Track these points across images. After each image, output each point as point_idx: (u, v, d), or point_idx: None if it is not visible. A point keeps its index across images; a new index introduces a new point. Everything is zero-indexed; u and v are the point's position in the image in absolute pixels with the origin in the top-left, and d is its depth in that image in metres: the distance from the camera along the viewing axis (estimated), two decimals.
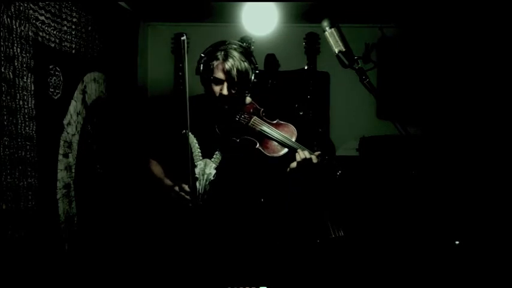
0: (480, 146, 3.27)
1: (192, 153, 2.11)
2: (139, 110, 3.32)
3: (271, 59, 3.47)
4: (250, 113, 2.16)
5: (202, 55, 2.14)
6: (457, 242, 2.80)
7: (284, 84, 3.42)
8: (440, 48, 3.57)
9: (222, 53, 2.08)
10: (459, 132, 3.46)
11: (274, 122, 2.15)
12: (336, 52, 1.87)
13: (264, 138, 2.09)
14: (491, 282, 2.76)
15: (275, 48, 3.52)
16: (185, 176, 2.03)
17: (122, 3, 3.06)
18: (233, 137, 2.08)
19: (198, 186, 2.10)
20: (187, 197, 2.02)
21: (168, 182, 2.14)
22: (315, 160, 2.04)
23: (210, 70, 2.09)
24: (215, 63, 2.08)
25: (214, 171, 2.13)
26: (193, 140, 2.13)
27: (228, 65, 2.05)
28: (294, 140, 2.09)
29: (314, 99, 3.27)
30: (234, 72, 2.05)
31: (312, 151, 2.08)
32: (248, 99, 2.20)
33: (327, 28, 1.88)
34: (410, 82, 3.60)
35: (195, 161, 2.12)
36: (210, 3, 3.22)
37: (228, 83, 2.07)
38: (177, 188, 2.04)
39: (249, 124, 2.11)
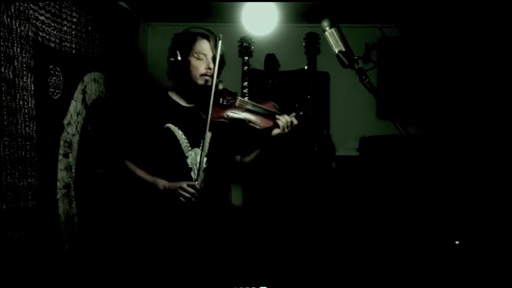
0: (480, 146, 3.27)
1: (180, 145, 2.12)
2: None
3: (271, 59, 3.47)
4: (231, 95, 2.21)
5: (173, 41, 2.19)
6: (457, 242, 2.80)
7: (284, 84, 3.42)
8: (441, 48, 3.57)
9: (199, 33, 2.16)
10: (459, 132, 3.46)
11: (256, 100, 2.24)
12: (336, 52, 1.87)
13: (251, 114, 2.20)
14: (491, 282, 2.76)
15: (275, 48, 3.51)
16: (177, 170, 2.07)
17: (122, 3, 3.06)
18: (222, 119, 2.15)
19: (193, 176, 2.11)
20: (194, 191, 2.03)
21: (165, 182, 2.09)
22: (295, 121, 2.17)
23: (189, 49, 2.13)
24: (197, 40, 2.14)
25: (205, 159, 2.13)
26: (178, 132, 2.13)
27: (210, 40, 2.14)
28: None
29: (314, 99, 3.27)
30: (218, 47, 2.10)
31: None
32: (221, 85, 2.20)
33: (327, 28, 1.87)
34: (411, 82, 3.60)
35: (185, 152, 2.13)
36: (210, 3, 3.22)
37: (212, 59, 2.12)
38: (184, 186, 2.03)
39: (236, 105, 2.19)
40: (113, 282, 2.66)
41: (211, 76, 2.11)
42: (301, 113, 2.25)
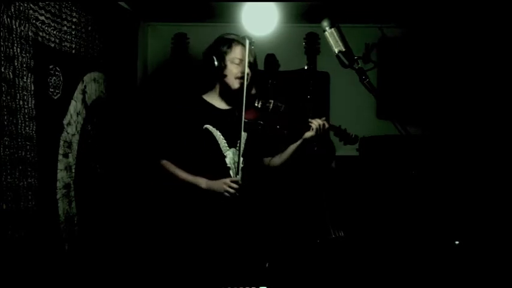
0: (480, 145, 3.27)
1: (219, 145, 2.20)
2: (141, 110, 3.31)
3: (271, 59, 3.47)
4: (265, 99, 2.29)
5: (214, 47, 2.24)
6: (457, 242, 2.80)
7: (284, 84, 3.42)
8: (441, 48, 3.57)
9: (233, 38, 2.23)
10: (459, 132, 3.46)
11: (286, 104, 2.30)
12: (336, 52, 1.87)
13: (285, 117, 2.28)
14: (491, 282, 2.76)
15: (275, 48, 3.51)
16: (216, 169, 2.16)
17: (122, 3, 3.06)
18: (257, 121, 2.24)
19: (232, 175, 2.19)
20: (238, 186, 2.11)
21: (207, 181, 2.16)
22: (327, 124, 2.26)
23: (225, 54, 2.20)
24: (232, 46, 2.21)
25: (242, 159, 2.21)
26: (216, 133, 2.20)
27: (245, 45, 2.20)
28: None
29: (314, 99, 3.27)
30: (252, 52, 2.23)
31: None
32: (254, 90, 2.31)
33: (327, 28, 1.88)
34: (411, 82, 3.60)
35: (224, 151, 2.20)
36: (210, 3, 3.22)
37: (248, 63, 2.20)
38: (229, 182, 2.11)
39: (270, 108, 2.27)
40: (112, 282, 2.66)
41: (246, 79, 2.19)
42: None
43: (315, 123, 2.23)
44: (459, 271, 2.78)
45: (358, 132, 3.43)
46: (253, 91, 2.28)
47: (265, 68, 3.45)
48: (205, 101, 2.28)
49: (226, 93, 2.26)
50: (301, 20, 3.55)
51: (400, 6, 3.23)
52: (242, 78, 2.20)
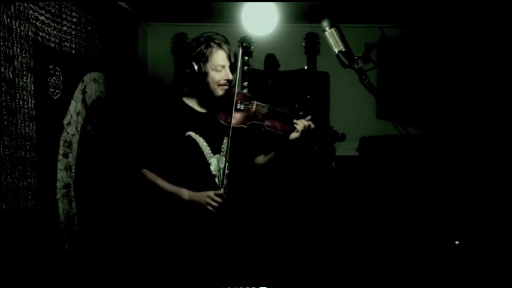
0: (480, 145, 3.27)
1: (202, 152, 2.11)
2: (141, 110, 3.31)
3: (271, 59, 3.47)
4: (248, 100, 2.20)
5: (187, 50, 2.15)
6: (456, 242, 2.80)
7: (284, 84, 3.42)
8: (441, 48, 3.57)
9: (211, 42, 2.13)
10: (459, 132, 3.46)
11: (273, 104, 2.22)
12: (336, 52, 1.87)
13: (269, 118, 2.18)
14: (491, 282, 2.76)
15: (275, 48, 3.51)
16: (201, 178, 2.07)
17: (122, 3, 3.06)
18: (240, 125, 2.14)
19: (217, 182, 2.12)
20: (221, 200, 2.03)
21: (190, 192, 2.08)
22: (312, 125, 2.13)
23: (206, 60, 2.10)
24: (213, 52, 2.11)
25: (227, 164, 2.13)
26: (200, 140, 2.12)
27: (225, 49, 2.12)
28: None
29: (314, 99, 3.27)
30: (232, 56, 2.13)
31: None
32: (237, 89, 2.21)
33: (327, 28, 1.87)
34: (411, 82, 3.60)
35: (208, 159, 2.12)
36: (210, 3, 3.22)
37: (229, 68, 2.13)
38: (212, 195, 2.03)
39: (253, 109, 2.18)
40: (112, 282, 2.66)
41: (230, 85, 2.13)
42: (301, 113, 2.22)
43: (300, 124, 2.12)
44: (459, 271, 2.78)
45: (358, 132, 3.47)
46: (236, 90, 2.18)
47: (265, 68, 3.45)
48: (186, 104, 2.18)
49: (208, 98, 2.16)
50: (301, 20, 3.55)
51: (400, 6, 3.22)
52: (225, 85, 2.12)
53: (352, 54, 1.86)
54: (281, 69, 3.51)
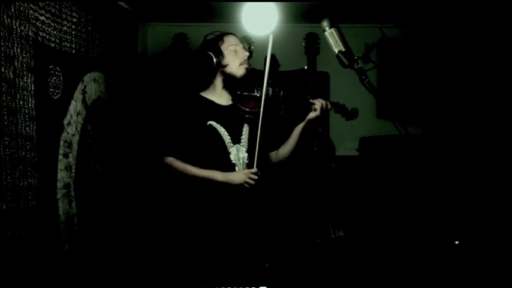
0: (480, 145, 3.27)
1: (224, 141, 2.16)
2: (141, 110, 3.31)
3: (271, 59, 3.46)
4: (262, 86, 2.24)
5: (206, 46, 2.22)
6: (456, 242, 2.80)
7: (284, 84, 3.42)
8: (441, 48, 3.57)
9: (219, 33, 2.24)
10: (459, 131, 3.46)
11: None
12: (336, 52, 1.87)
13: (285, 101, 2.25)
14: (491, 282, 2.76)
15: (275, 48, 3.50)
16: (222, 166, 2.12)
17: (122, 3, 3.06)
18: (258, 109, 2.17)
19: (233, 172, 2.15)
20: (257, 177, 2.09)
21: (223, 173, 2.12)
22: (329, 104, 2.22)
23: (219, 47, 2.19)
24: (224, 37, 2.22)
25: (247, 154, 2.19)
26: (221, 129, 2.17)
27: (235, 34, 2.24)
28: None
29: (314, 99, 3.27)
30: (243, 40, 2.25)
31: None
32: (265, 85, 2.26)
33: (327, 28, 1.87)
34: (410, 82, 3.61)
35: (228, 148, 2.17)
36: (210, 3, 3.22)
37: (244, 48, 2.22)
38: (249, 173, 2.09)
39: (270, 94, 2.22)
40: (112, 282, 2.66)
41: (248, 69, 2.21)
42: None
43: (318, 103, 2.19)
44: (459, 271, 2.78)
45: (358, 132, 3.47)
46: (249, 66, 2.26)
47: (265, 67, 3.44)
48: (205, 98, 2.24)
49: (230, 85, 2.22)
50: (301, 20, 3.55)
51: (400, 6, 3.23)
52: (245, 62, 2.20)
53: (352, 54, 1.86)
54: (281, 69, 3.50)
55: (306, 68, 3.35)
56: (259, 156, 2.14)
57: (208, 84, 2.26)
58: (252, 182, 2.09)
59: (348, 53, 1.86)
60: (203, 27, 3.59)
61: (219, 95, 2.24)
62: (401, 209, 3.10)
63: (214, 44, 2.20)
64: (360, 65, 1.85)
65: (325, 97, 3.58)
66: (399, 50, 3.62)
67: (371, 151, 3.36)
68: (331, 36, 1.88)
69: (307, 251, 2.98)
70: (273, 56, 3.44)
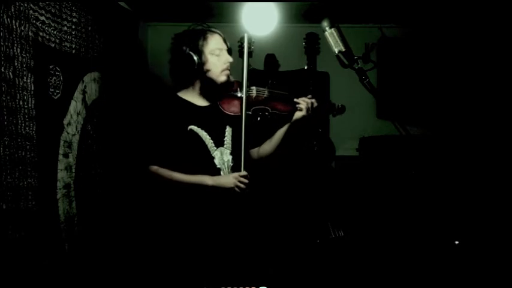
0: (480, 145, 3.27)
1: (206, 146, 2.09)
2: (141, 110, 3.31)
3: (271, 59, 3.47)
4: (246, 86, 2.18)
5: (181, 44, 2.10)
6: (456, 242, 2.80)
7: (284, 84, 3.42)
8: (441, 48, 3.57)
9: (201, 30, 2.12)
10: (459, 132, 3.46)
11: (272, 87, 2.22)
12: (336, 52, 1.87)
13: (271, 101, 2.17)
14: (491, 282, 2.76)
15: (275, 48, 3.52)
16: (207, 172, 2.06)
17: (122, 3, 3.06)
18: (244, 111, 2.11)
19: (222, 175, 2.09)
20: (247, 181, 2.04)
21: (212, 177, 2.05)
22: (315, 103, 2.13)
23: (202, 47, 2.07)
24: (208, 37, 2.08)
25: (231, 157, 2.12)
26: (202, 133, 2.09)
27: (220, 33, 2.12)
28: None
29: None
30: (227, 40, 2.12)
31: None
32: (231, 78, 2.17)
33: (327, 28, 1.88)
34: (410, 82, 3.61)
35: (211, 152, 2.10)
36: (210, 3, 3.22)
37: (227, 50, 2.11)
38: (238, 177, 2.03)
39: (254, 95, 2.16)
40: (112, 282, 2.66)
41: (230, 70, 2.12)
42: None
43: (303, 103, 2.11)
44: (459, 271, 2.78)
45: (358, 132, 3.47)
46: (231, 78, 2.15)
47: (265, 68, 3.45)
48: (183, 99, 2.14)
49: (210, 88, 2.12)
50: (301, 20, 3.55)
51: (400, 6, 3.23)
52: (227, 69, 2.10)
53: (352, 54, 1.86)
54: (281, 69, 3.51)
55: (306, 68, 3.35)
56: (245, 159, 2.08)
57: (187, 84, 2.16)
58: (242, 185, 2.02)
59: (348, 53, 1.86)
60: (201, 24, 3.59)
61: (197, 96, 2.15)
62: (402, 209, 3.10)
63: (195, 41, 2.07)
64: (360, 65, 1.85)
65: (325, 97, 3.62)
66: (399, 50, 3.62)
67: (371, 151, 3.36)
68: (331, 36, 1.88)
69: (307, 251, 2.98)
70: (273, 55, 3.47)
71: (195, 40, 2.07)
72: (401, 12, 3.38)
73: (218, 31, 2.13)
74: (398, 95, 3.60)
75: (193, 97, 2.15)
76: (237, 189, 2.03)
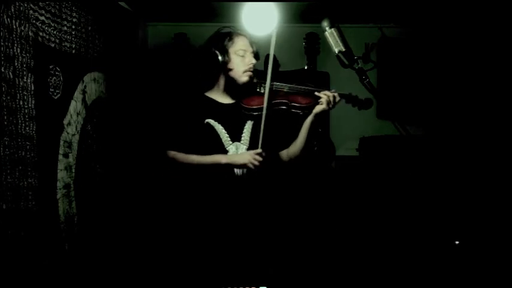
0: (480, 145, 3.27)
1: (221, 139, 2.14)
2: (141, 110, 3.31)
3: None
4: (265, 83, 2.20)
5: (213, 42, 2.17)
6: (456, 242, 2.80)
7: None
8: (441, 48, 3.57)
9: (230, 31, 2.19)
10: (459, 132, 3.46)
11: (291, 82, 2.24)
12: (336, 52, 1.88)
13: (290, 96, 2.19)
14: (491, 282, 2.76)
15: (275, 48, 3.51)
16: (219, 164, 2.08)
17: (122, 3, 3.06)
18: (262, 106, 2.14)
19: (235, 170, 2.12)
20: (261, 159, 2.06)
21: (227, 156, 2.10)
22: (338, 96, 2.16)
23: (228, 47, 2.14)
24: (234, 38, 2.16)
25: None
26: (218, 127, 2.14)
27: (246, 36, 2.19)
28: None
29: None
30: (253, 44, 2.19)
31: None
32: (255, 79, 2.23)
33: (327, 28, 1.88)
34: (411, 82, 3.61)
35: (226, 146, 2.14)
36: (210, 3, 3.22)
37: (252, 53, 2.18)
38: (253, 154, 2.05)
39: (273, 90, 2.18)
40: (112, 282, 2.66)
41: (254, 71, 2.17)
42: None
43: (324, 96, 2.13)
44: (459, 271, 2.78)
45: (358, 132, 3.47)
46: (255, 80, 2.21)
47: (265, 68, 3.44)
48: (207, 97, 2.22)
49: (232, 87, 2.19)
50: (301, 20, 3.55)
51: (400, 6, 3.23)
52: (250, 70, 2.15)
53: (352, 54, 1.87)
54: (281, 69, 3.50)
55: (306, 68, 3.35)
56: (264, 138, 2.10)
57: (213, 84, 2.23)
58: (256, 162, 2.05)
59: (348, 53, 1.87)
60: (203, 27, 3.59)
61: (222, 95, 2.22)
62: (402, 209, 3.10)
63: (222, 41, 2.15)
64: (360, 65, 1.86)
65: None
66: (399, 50, 3.62)
67: (371, 151, 3.36)
68: (331, 36, 1.88)
69: (307, 250, 2.98)
70: (273, 55, 3.46)
71: (222, 40, 2.15)
72: (401, 12, 3.38)
73: (246, 33, 2.21)
74: (398, 95, 3.60)
75: (218, 95, 2.22)
76: (250, 165, 2.06)
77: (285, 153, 2.29)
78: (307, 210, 3.10)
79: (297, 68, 3.46)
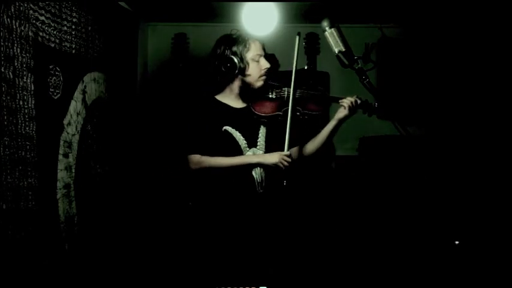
0: (480, 145, 3.27)
1: (240, 146, 2.15)
2: (141, 110, 3.32)
3: (271, 59, 3.46)
4: (278, 88, 2.22)
5: (228, 47, 2.17)
6: (456, 242, 2.80)
7: (284, 84, 3.42)
8: (441, 48, 3.57)
9: (243, 36, 2.19)
10: (459, 132, 3.46)
11: (303, 88, 2.25)
12: (336, 52, 1.88)
13: (302, 102, 2.21)
14: (491, 282, 2.76)
15: (275, 48, 3.51)
16: (238, 171, 2.11)
17: (122, 3, 3.06)
18: (276, 112, 2.18)
19: (254, 176, 2.14)
20: (290, 160, 2.10)
21: (257, 156, 2.13)
22: (358, 100, 2.17)
23: (245, 53, 2.15)
24: (250, 44, 2.17)
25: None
26: (236, 134, 2.15)
27: (258, 40, 2.20)
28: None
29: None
30: (263, 45, 2.21)
31: None
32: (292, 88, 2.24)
33: (327, 28, 1.88)
34: (410, 82, 3.61)
35: (244, 152, 2.15)
36: (210, 3, 3.22)
37: (265, 56, 2.20)
38: (283, 155, 2.09)
39: (286, 96, 2.20)
40: (112, 282, 2.66)
41: (268, 75, 2.18)
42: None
43: (347, 101, 2.16)
44: (459, 271, 2.79)
45: (358, 132, 3.47)
46: (268, 83, 2.22)
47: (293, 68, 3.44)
48: (220, 101, 2.21)
49: (247, 92, 2.20)
50: (301, 20, 3.55)
51: (400, 6, 3.23)
52: (265, 74, 2.17)
53: (352, 54, 1.87)
54: (281, 69, 3.50)
55: (306, 68, 3.35)
56: (289, 143, 2.13)
57: (223, 87, 2.23)
58: (285, 163, 2.09)
59: (348, 53, 1.87)
60: (203, 27, 3.60)
61: (234, 99, 2.22)
62: (401, 209, 3.10)
63: (237, 47, 2.15)
64: (360, 65, 1.86)
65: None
66: (399, 50, 3.62)
67: (371, 151, 3.37)
68: (331, 36, 1.88)
69: (307, 250, 2.98)
70: (273, 55, 3.46)
71: (237, 45, 2.16)
72: (401, 12, 3.38)
73: (257, 38, 2.23)
74: (398, 95, 3.60)
75: (230, 99, 2.22)
76: (280, 165, 2.10)
77: (299, 150, 2.31)
78: (307, 210, 3.10)
79: (297, 68, 3.45)
